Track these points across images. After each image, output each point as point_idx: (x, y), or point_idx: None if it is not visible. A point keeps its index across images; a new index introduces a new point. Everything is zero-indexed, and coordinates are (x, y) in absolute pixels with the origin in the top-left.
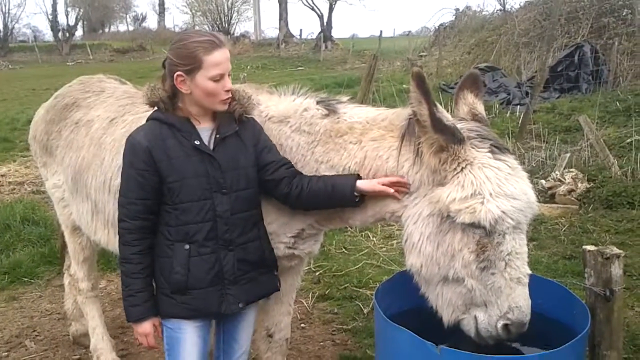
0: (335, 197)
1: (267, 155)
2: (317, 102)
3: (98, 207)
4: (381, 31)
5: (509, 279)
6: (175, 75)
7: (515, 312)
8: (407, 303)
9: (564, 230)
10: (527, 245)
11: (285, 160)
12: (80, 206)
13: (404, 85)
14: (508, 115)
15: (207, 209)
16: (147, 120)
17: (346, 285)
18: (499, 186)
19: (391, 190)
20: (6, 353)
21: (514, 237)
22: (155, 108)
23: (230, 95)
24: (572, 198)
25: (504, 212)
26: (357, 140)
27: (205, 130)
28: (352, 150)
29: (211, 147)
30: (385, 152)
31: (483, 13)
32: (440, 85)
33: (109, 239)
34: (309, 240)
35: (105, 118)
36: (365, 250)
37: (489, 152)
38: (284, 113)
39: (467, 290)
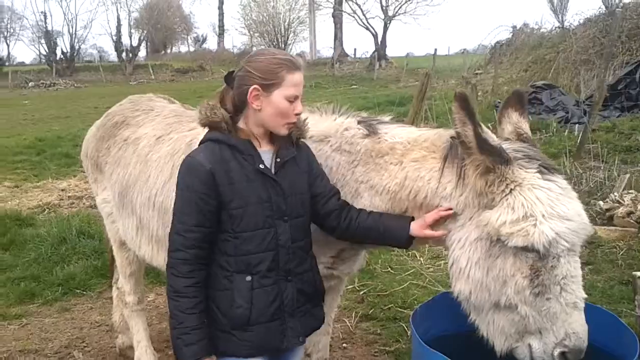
0: (386, 238)
1: (320, 183)
2: (359, 122)
3: (143, 223)
4: (435, 49)
5: (564, 304)
6: (252, 88)
7: (572, 338)
8: (450, 326)
9: (622, 254)
10: (582, 269)
11: (335, 189)
12: (126, 221)
13: None
14: (566, 134)
15: (270, 237)
16: (203, 142)
17: (390, 305)
18: (551, 207)
19: (440, 234)
20: None
21: (568, 260)
22: (207, 129)
23: (296, 120)
24: (631, 221)
25: (558, 234)
26: (398, 160)
27: (266, 153)
28: (392, 170)
29: (273, 171)
30: (427, 173)
31: (541, 30)
32: (495, 103)
33: (153, 255)
34: (348, 261)
35: (152, 136)
36: (412, 271)
37: (537, 172)
38: (325, 132)
39: (520, 317)
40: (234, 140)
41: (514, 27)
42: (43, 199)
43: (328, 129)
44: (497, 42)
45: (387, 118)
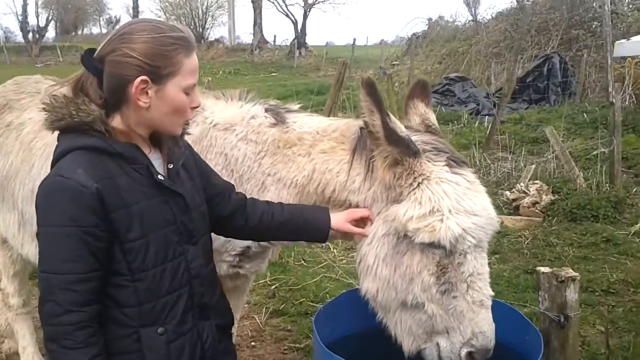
0: (304, 233)
1: (215, 181)
2: (266, 110)
3: (25, 219)
4: (354, 39)
5: (471, 302)
6: (139, 80)
7: (479, 337)
8: (356, 325)
9: (527, 244)
10: (489, 258)
11: (230, 184)
12: (6, 216)
13: None
14: (476, 125)
15: (182, 269)
16: (67, 151)
17: (302, 300)
18: (458, 202)
19: (361, 231)
20: None
21: (475, 256)
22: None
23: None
24: (536, 210)
25: (464, 230)
26: (306, 152)
27: (155, 159)
28: (300, 162)
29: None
30: (335, 165)
31: (455, 23)
32: None
33: (37, 254)
34: (256, 259)
35: (38, 121)
36: (325, 263)
37: (445, 165)
38: (230, 120)
39: (427, 316)
40: (119, 146)
41: (430, 19)
42: None
43: (233, 117)
44: (414, 34)
45: (295, 106)
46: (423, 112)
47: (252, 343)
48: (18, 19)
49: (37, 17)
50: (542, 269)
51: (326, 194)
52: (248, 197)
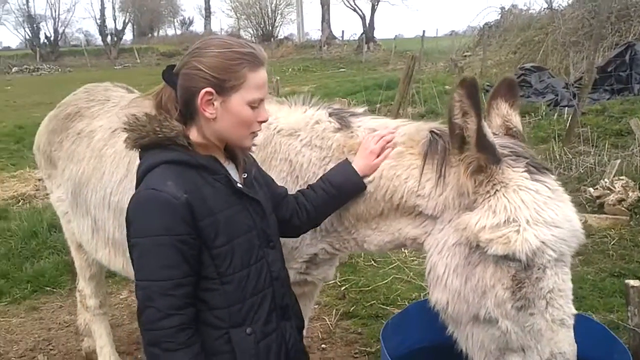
0: (343, 197)
1: (278, 189)
2: (330, 114)
3: (98, 225)
4: (424, 31)
5: (550, 320)
6: (204, 92)
7: (558, 359)
8: (425, 338)
9: (613, 244)
10: (572, 259)
11: (285, 188)
12: (80, 222)
13: (446, 87)
14: (555, 117)
15: (265, 272)
16: (153, 166)
17: (373, 302)
18: (537, 212)
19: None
20: None
21: (556, 271)
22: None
23: (261, 128)
24: (622, 208)
25: (543, 243)
26: None
27: (231, 170)
28: None
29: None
30: (403, 171)
31: (530, 11)
32: (484, 86)
33: (110, 259)
34: (323, 266)
35: (108, 128)
36: (396, 264)
37: (525, 171)
38: (294, 126)
39: (501, 332)
40: (201, 158)
41: (503, 8)
42: (18, 190)
43: (297, 122)
44: (486, 24)
45: (360, 110)
46: (506, 113)
47: (323, 345)
48: (97, 23)
49: (115, 20)
50: (632, 282)
51: (394, 201)
52: None
